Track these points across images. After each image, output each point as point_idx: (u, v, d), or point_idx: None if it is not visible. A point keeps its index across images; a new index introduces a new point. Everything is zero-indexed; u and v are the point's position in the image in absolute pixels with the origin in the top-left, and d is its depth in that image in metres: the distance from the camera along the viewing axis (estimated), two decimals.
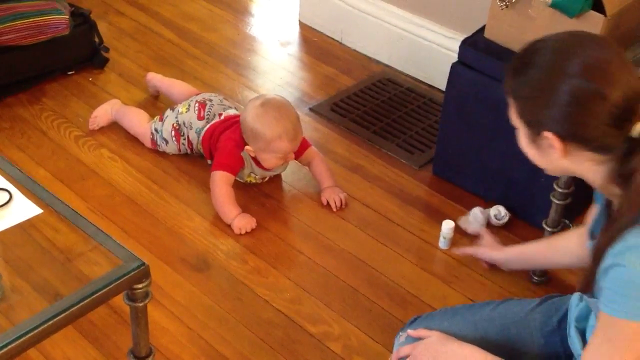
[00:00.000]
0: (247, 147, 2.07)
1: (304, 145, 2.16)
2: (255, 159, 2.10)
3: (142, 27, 2.84)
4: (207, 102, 2.24)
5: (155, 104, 2.47)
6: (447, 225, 2.00)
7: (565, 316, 1.41)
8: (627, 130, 1.12)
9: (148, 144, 2.28)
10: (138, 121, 2.31)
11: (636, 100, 1.12)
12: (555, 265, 1.83)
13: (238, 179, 2.13)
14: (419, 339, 1.41)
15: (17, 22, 2.34)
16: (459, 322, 1.43)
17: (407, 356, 1.41)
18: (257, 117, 2.03)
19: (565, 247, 1.60)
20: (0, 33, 2.32)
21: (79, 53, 2.56)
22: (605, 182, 1.17)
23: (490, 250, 1.85)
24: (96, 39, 2.60)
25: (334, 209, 2.12)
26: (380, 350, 1.75)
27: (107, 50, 2.64)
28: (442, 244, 2.02)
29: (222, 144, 2.11)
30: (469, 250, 1.90)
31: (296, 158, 2.17)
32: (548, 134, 1.16)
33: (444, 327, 1.42)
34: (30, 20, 2.36)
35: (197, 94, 2.32)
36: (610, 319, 1.13)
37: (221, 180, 2.07)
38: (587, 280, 1.18)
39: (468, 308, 1.50)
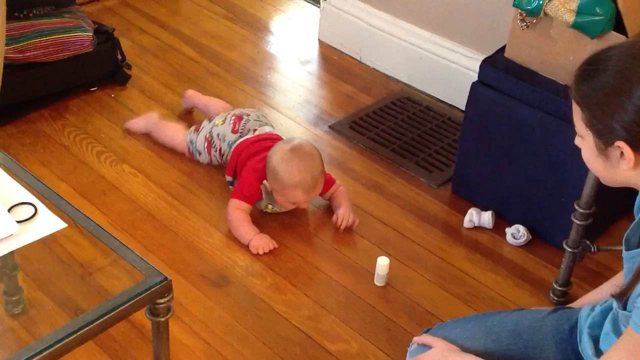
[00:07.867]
0: (265, 182, 2.08)
1: (329, 182, 2.15)
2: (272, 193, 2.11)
3: (164, 45, 2.88)
4: (244, 116, 2.26)
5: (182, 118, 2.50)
6: (382, 262, 1.93)
7: (576, 325, 1.40)
8: None
9: (186, 154, 2.32)
10: (173, 135, 2.35)
11: None
12: None
13: (256, 206, 2.14)
14: (426, 346, 1.40)
15: (42, 39, 2.38)
16: (471, 328, 1.42)
17: None
18: (282, 160, 2.03)
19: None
20: (26, 49, 2.36)
21: (101, 70, 2.59)
22: None
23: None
24: (119, 56, 2.63)
25: (338, 224, 2.10)
26: None
27: (129, 67, 2.67)
28: (377, 281, 1.96)
29: (245, 174, 2.11)
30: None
31: (321, 195, 2.16)
32: (621, 144, 1.10)
33: (456, 335, 1.40)
34: (55, 37, 2.40)
35: (232, 110, 2.35)
36: (638, 338, 1.12)
37: (236, 207, 2.08)
38: (624, 291, 1.16)
39: (480, 316, 1.49)
